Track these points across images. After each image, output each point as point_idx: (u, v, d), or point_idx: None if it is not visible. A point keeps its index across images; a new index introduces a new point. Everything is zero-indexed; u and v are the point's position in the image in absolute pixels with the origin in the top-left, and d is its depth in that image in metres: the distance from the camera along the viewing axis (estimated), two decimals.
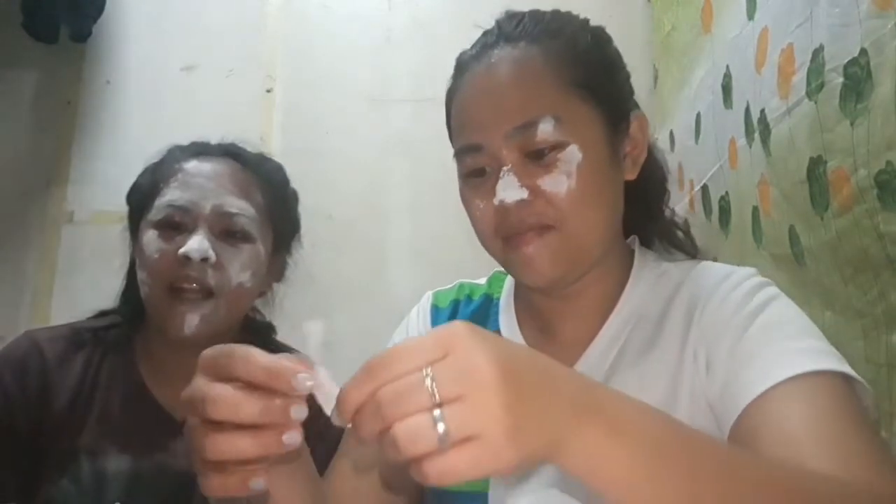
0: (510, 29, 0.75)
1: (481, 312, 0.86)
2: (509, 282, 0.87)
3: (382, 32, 2.07)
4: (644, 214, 0.81)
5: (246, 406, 0.44)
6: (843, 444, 0.55)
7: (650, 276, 0.78)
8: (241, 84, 2.03)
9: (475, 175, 0.72)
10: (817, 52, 0.91)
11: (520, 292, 0.84)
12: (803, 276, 1.01)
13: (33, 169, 1.97)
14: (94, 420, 0.92)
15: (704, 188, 1.44)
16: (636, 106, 0.80)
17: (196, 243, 0.89)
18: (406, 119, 2.00)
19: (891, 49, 0.76)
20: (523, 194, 0.68)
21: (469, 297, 0.88)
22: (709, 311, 0.69)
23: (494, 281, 0.89)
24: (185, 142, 1.04)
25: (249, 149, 1.04)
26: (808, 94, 0.94)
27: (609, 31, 0.81)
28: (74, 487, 0.88)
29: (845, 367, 0.61)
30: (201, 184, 0.93)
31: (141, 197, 0.97)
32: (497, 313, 0.84)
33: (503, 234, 0.71)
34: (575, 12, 0.80)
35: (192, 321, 0.90)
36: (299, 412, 0.45)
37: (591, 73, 0.72)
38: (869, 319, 0.85)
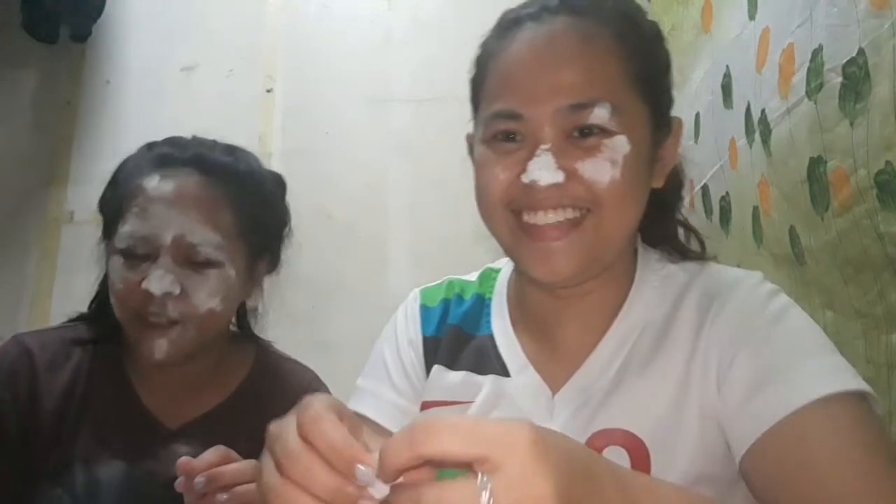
0: None
1: (473, 314, 0.80)
2: (501, 280, 0.81)
3: (382, 32, 2.07)
4: (656, 216, 0.76)
5: (319, 479, 0.41)
6: (867, 473, 0.54)
7: (655, 280, 0.73)
8: (241, 84, 2.03)
9: (504, 139, 0.66)
10: (817, 52, 0.91)
11: (515, 292, 0.78)
12: (803, 276, 1.01)
13: (33, 169, 1.97)
14: (86, 427, 0.91)
15: (705, 188, 1.44)
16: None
17: (157, 278, 0.86)
18: (406, 119, 2.00)
19: (888, 49, 0.76)
20: (559, 178, 0.62)
21: (460, 297, 0.82)
22: (721, 320, 0.66)
23: (485, 279, 0.83)
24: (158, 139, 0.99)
25: (221, 145, 0.97)
26: (808, 94, 0.94)
27: None
28: (68, 496, 0.87)
29: (861, 384, 0.59)
30: (161, 212, 0.88)
31: (108, 212, 0.94)
32: (489, 315, 0.79)
33: (517, 208, 0.66)
34: None
35: (160, 347, 0.88)
36: None
37: (651, 69, 0.68)
38: (869, 319, 0.85)
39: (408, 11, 2.06)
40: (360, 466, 0.40)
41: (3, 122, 1.99)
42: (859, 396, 0.58)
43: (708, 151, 1.42)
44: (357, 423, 0.45)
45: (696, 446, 0.63)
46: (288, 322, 1.56)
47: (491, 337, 0.76)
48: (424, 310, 0.82)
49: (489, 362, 0.74)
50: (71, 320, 1.00)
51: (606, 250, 0.67)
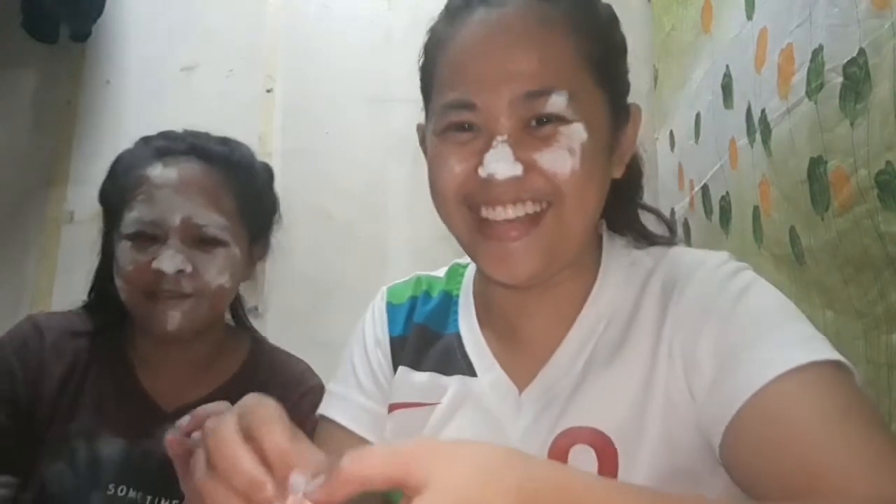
0: None
1: (439, 312, 0.78)
2: (468, 276, 0.79)
3: (382, 32, 2.07)
4: (617, 206, 0.73)
5: (243, 471, 0.41)
6: (850, 441, 0.51)
7: (620, 268, 0.71)
8: (241, 84, 2.03)
9: (458, 130, 0.63)
10: (817, 53, 0.91)
11: (479, 288, 0.76)
12: (804, 276, 1.01)
13: (33, 169, 1.97)
14: (86, 405, 0.95)
15: (705, 188, 1.44)
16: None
17: (168, 257, 0.90)
18: (406, 119, 1.99)
19: (888, 49, 0.76)
20: (517, 170, 0.60)
21: (427, 294, 0.80)
22: (684, 303, 0.64)
23: (453, 275, 0.81)
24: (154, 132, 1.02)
25: (214, 137, 1.02)
26: (808, 94, 0.94)
27: None
28: (71, 470, 0.90)
29: (834, 354, 0.56)
30: (168, 197, 0.92)
31: (110, 203, 0.98)
32: (456, 313, 0.77)
33: (474, 203, 0.63)
34: None
35: (174, 318, 0.92)
36: None
37: (607, 54, 0.66)
38: (869, 319, 0.85)
39: (408, 11, 2.05)
40: (296, 474, 0.40)
41: (3, 122, 1.99)
42: (834, 365, 0.55)
43: (708, 151, 1.42)
44: (298, 432, 0.45)
45: (659, 439, 0.61)
46: (288, 322, 1.56)
47: (458, 335, 0.74)
48: (391, 307, 0.80)
49: (455, 362, 0.73)
50: (75, 309, 1.04)
51: (568, 246, 0.65)
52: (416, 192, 1.99)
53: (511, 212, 0.62)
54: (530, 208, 0.62)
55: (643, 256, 0.71)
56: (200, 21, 2.08)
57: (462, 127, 0.63)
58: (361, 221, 1.94)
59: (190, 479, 0.69)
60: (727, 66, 1.30)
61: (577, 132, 0.61)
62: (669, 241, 0.74)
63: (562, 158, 0.61)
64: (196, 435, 0.66)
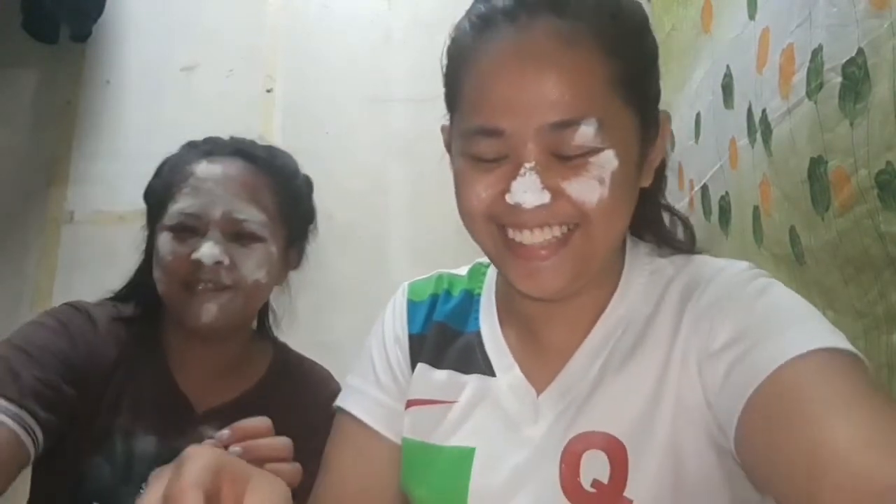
0: None
1: (460, 311, 0.78)
2: (490, 276, 0.79)
3: (382, 32, 2.07)
4: (640, 205, 0.71)
5: None
6: (866, 419, 0.49)
7: (642, 276, 0.71)
8: (241, 84, 2.03)
9: (485, 160, 0.62)
10: (816, 52, 0.91)
11: (502, 290, 0.76)
12: (804, 276, 1.01)
13: (33, 169, 1.97)
14: (127, 400, 0.95)
15: (704, 188, 1.44)
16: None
17: (208, 248, 0.92)
18: (406, 119, 2.00)
19: (887, 49, 0.76)
20: (544, 199, 0.59)
21: (448, 293, 0.80)
22: (700, 305, 0.63)
23: (475, 273, 0.80)
24: (197, 139, 1.05)
25: (260, 144, 1.05)
26: (808, 94, 0.94)
27: None
28: (108, 465, 0.90)
29: (851, 347, 0.55)
30: (211, 189, 0.95)
31: (156, 199, 1.00)
32: (478, 312, 0.77)
33: (501, 223, 0.63)
34: None
35: (210, 310, 0.93)
36: None
37: (637, 69, 0.63)
38: (869, 319, 0.85)
39: (408, 11, 2.06)
40: None
41: (3, 122, 1.99)
42: (852, 356, 0.54)
43: (708, 151, 1.42)
44: (241, 475, 0.48)
45: (667, 447, 0.61)
46: (288, 322, 1.56)
47: (478, 334, 0.75)
48: (412, 304, 0.80)
49: (475, 361, 0.73)
50: (106, 299, 1.05)
51: (595, 262, 0.64)
52: (417, 192, 2.00)
53: (538, 235, 0.62)
54: (557, 231, 0.62)
55: (666, 265, 0.70)
56: (200, 21, 2.08)
57: (489, 157, 0.62)
58: (361, 221, 1.94)
59: None
60: (727, 66, 1.30)
61: (607, 160, 0.60)
62: (691, 248, 0.74)
63: (591, 188, 0.60)
64: (234, 448, 0.67)
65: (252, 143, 1.04)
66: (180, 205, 0.95)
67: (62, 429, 0.88)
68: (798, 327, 0.56)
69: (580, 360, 0.68)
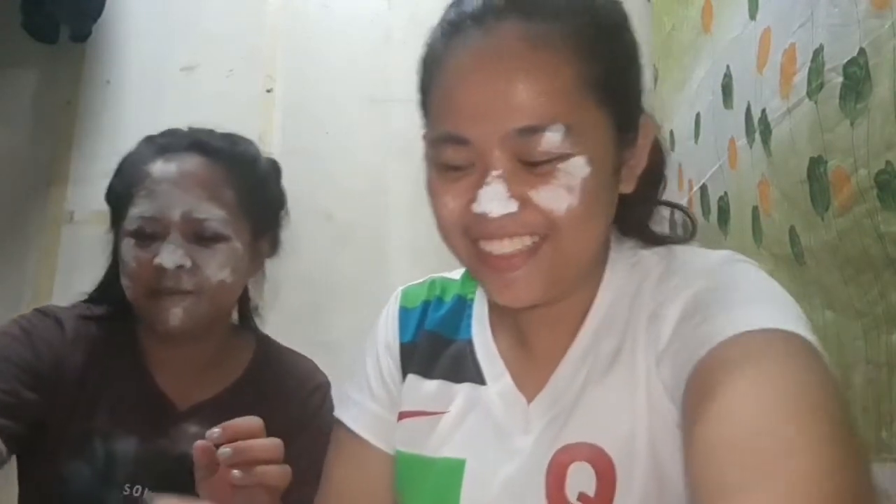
0: None
1: (452, 317, 0.76)
2: None
3: (382, 32, 2.07)
4: (631, 204, 0.69)
5: None
6: (784, 423, 0.45)
7: (623, 272, 0.67)
8: (241, 84, 2.03)
9: (452, 169, 0.61)
10: (817, 52, 0.91)
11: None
12: (803, 276, 1.01)
13: (33, 169, 1.97)
14: (104, 403, 0.95)
15: (703, 188, 1.44)
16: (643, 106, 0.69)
17: (168, 253, 0.90)
18: (406, 119, 1.98)
19: (888, 49, 0.76)
20: (511, 207, 0.57)
21: (440, 299, 0.78)
22: (668, 297, 0.60)
23: (468, 278, 0.77)
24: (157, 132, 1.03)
25: (218, 133, 1.02)
26: (809, 94, 0.94)
27: None
28: (89, 468, 0.90)
29: (814, 338, 0.51)
30: (167, 191, 0.93)
31: (116, 200, 0.99)
32: (470, 318, 0.74)
33: (475, 237, 0.61)
34: None
35: (175, 314, 0.92)
36: None
37: (611, 70, 0.60)
38: (869, 319, 0.85)
39: (408, 11, 2.05)
40: None
41: (3, 122, 1.99)
42: (802, 341, 0.50)
43: (707, 151, 1.42)
44: None
45: (649, 456, 0.58)
46: (288, 322, 1.56)
47: (470, 342, 0.73)
48: (403, 312, 0.79)
49: (466, 369, 0.71)
50: (79, 302, 1.04)
51: (570, 272, 0.62)
52: (417, 192, 1.98)
53: (508, 244, 0.60)
54: (528, 241, 0.60)
55: (649, 256, 0.67)
56: (200, 21, 2.08)
57: (456, 167, 0.60)
58: (361, 221, 1.94)
59: (206, 486, 0.70)
60: (727, 66, 1.30)
61: (576, 167, 0.57)
62: (680, 241, 0.70)
63: (559, 196, 0.58)
64: (224, 450, 0.67)
65: (210, 132, 1.02)
66: (138, 209, 0.93)
67: (27, 434, 0.88)
68: (748, 307, 0.54)
69: (568, 367, 0.66)
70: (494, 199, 0.57)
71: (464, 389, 0.70)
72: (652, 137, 0.66)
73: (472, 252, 0.62)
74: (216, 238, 0.94)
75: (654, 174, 0.70)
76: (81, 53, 2.04)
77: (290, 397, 1.00)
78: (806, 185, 0.96)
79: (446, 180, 0.61)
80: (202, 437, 0.70)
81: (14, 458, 0.92)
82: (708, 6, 1.44)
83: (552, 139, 0.56)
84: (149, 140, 1.01)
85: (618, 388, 0.61)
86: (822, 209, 0.92)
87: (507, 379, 0.69)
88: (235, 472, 0.68)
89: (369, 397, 0.76)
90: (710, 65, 1.40)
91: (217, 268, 0.94)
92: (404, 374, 0.75)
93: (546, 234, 0.59)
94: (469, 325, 0.74)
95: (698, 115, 1.48)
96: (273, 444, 0.70)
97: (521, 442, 0.65)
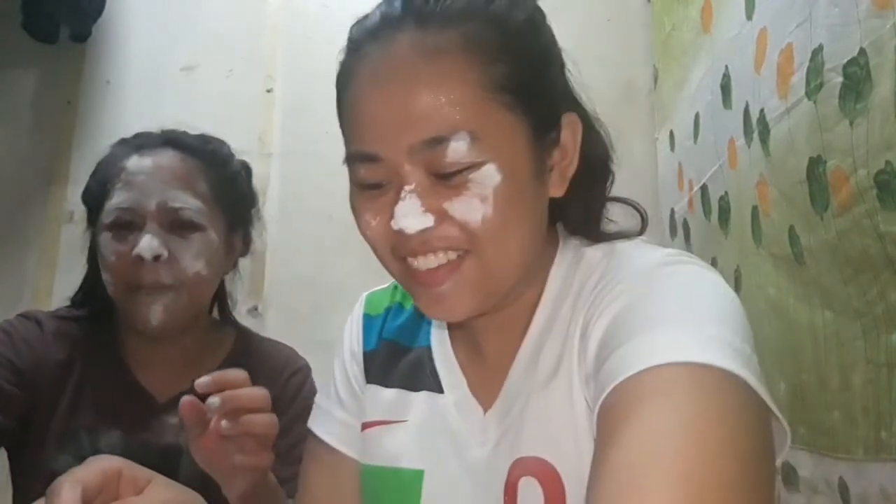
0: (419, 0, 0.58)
1: (411, 324, 0.74)
2: None
3: None
4: (574, 202, 0.66)
5: None
6: (673, 468, 0.41)
7: (566, 273, 0.65)
8: (241, 84, 2.03)
9: (370, 187, 0.59)
10: (816, 52, 0.91)
11: None
12: (803, 276, 1.01)
13: (33, 169, 1.97)
14: (86, 399, 0.97)
15: (704, 188, 1.44)
16: (573, 104, 0.66)
17: (146, 242, 0.92)
18: None
19: (889, 49, 0.76)
20: (427, 222, 0.56)
21: (400, 305, 0.77)
22: (600, 303, 0.57)
23: None
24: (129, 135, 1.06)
25: (190, 133, 1.05)
26: (808, 94, 0.94)
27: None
28: (77, 462, 0.92)
29: (736, 366, 0.46)
30: (143, 181, 0.95)
31: (92, 198, 1.01)
32: (430, 324, 0.73)
33: (402, 254, 0.59)
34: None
35: (156, 312, 0.94)
36: None
37: (519, 71, 0.57)
38: (869, 319, 0.85)
39: None
40: None
41: (3, 122, 1.99)
42: (737, 381, 0.46)
43: (707, 151, 1.42)
44: (141, 478, 0.53)
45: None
46: (288, 322, 1.56)
47: (428, 349, 0.72)
48: (367, 319, 0.78)
49: (423, 377, 0.70)
50: (63, 307, 1.07)
51: (500, 282, 0.60)
52: None
53: (433, 259, 0.58)
54: (452, 255, 0.58)
55: (592, 254, 0.65)
56: (200, 21, 2.08)
57: (373, 186, 0.59)
58: None
59: (197, 445, 0.73)
60: (726, 66, 1.30)
61: (487, 176, 0.56)
62: (626, 235, 0.67)
63: (472, 207, 0.56)
64: (213, 399, 0.69)
65: (183, 132, 1.04)
66: (114, 201, 0.95)
67: (13, 428, 0.91)
68: (663, 332, 0.49)
69: (517, 374, 0.64)
70: (409, 215, 0.56)
71: (421, 398, 0.69)
72: (580, 135, 0.63)
73: (402, 269, 0.61)
74: (192, 227, 0.96)
75: (594, 171, 0.68)
76: (81, 53, 2.04)
77: (269, 382, 1.01)
78: (805, 185, 0.96)
79: (366, 199, 0.60)
80: (182, 427, 0.72)
81: (6, 462, 0.96)
82: (707, 6, 1.44)
83: (458, 148, 0.55)
84: (122, 142, 1.04)
85: (559, 399, 0.59)
86: (822, 209, 0.92)
87: (464, 388, 0.67)
88: (224, 422, 0.69)
89: (338, 406, 0.76)
90: (710, 65, 1.40)
91: (193, 258, 0.95)
92: (368, 384, 0.75)
93: (468, 249, 0.57)
94: (428, 332, 0.73)
95: (698, 114, 1.48)
96: (260, 392, 0.72)
97: (477, 453, 0.64)
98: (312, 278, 1.87)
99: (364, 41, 0.60)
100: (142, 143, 1.01)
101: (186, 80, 2.03)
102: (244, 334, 1.11)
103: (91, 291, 1.03)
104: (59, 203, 1.96)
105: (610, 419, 0.47)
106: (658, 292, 0.54)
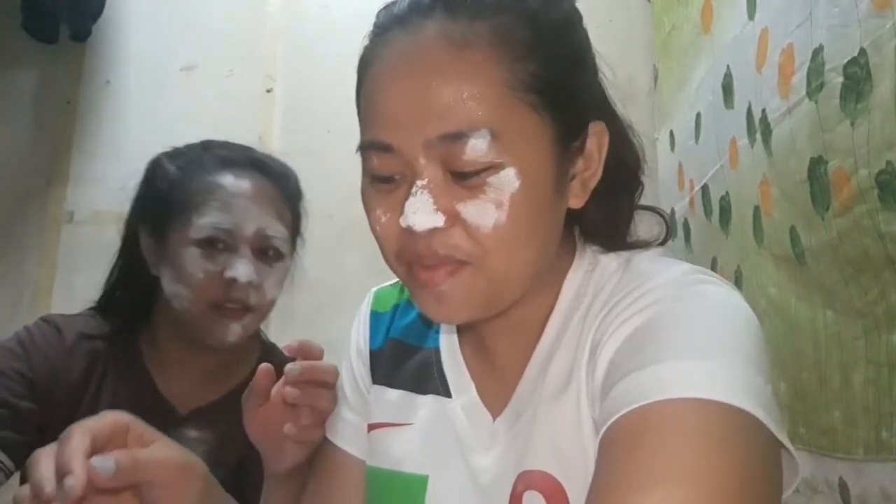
0: None
1: (419, 325, 0.72)
2: None
3: None
4: (597, 209, 0.63)
5: (38, 475, 0.52)
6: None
7: (581, 281, 0.62)
8: (241, 84, 2.03)
9: (382, 180, 0.56)
10: (817, 52, 0.91)
11: None
12: (804, 276, 1.01)
13: (33, 169, 1.97)
14: (105, 409, 0.95)
15: (705, 188, 1.44)
16: (604, 112, 0.63)
17: (244, 267, 0.93)
18: None
19: (889, 49, 0.76)
20: (438, 222, 0.53)
21: (408, 303, 0.74)
22: (609, 328, 0.55)
23: None
24: (193, 140, 1.03)
25: (266, 154, 1.05)
26: (809, 94, 0.94)
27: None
28: None
29: (740, 405, 0.45)
30: (244, 206, 0.95)
31: (167, 204, 0.96)
32: (439, 326, 0.70)
33: (407, 260, 0.57)
34: None
35: (234, 331, 0.94)
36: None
37: (548, 71, 0.54)
38: (870, 319, 0.85)
39: None
40: (68, 478, 0.50)
41: (3, 122, 1.99)
42: (746, 418, 0.45)
43: (708, 151, 1.42)
44: (147, 436, 0.58)
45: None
46: (288, 322, 1.56)
47: (437, 351, 0.69)
48: (374, 317, 0.76)
49: (431, 380, 0.68)
50: (87, 310, 1.04)
51: (502, 292, 0.57)
52: None
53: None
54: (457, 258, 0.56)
55: (608, 263, 0.62)
56: (200, 21, 2.08)
57: (385, 179, 0.56)
58: (361, 221, 1.92)
59: (255, 416, 0.75)
60: (727, 66, 1.30)
61: (505, 181, 0.52)
62: (643, 245, 0.64)
63: (486, 212, 0.53)
64: (293, 366, 0.72)
65: (266, 156, 1.04)
66: (211, 219, 0.93)
67: (28, 442, 0.88)
68: (675, 362, 0.48)
69: (528, 381, 0.61)
70: (419, 212, 0.53)
71: (428, 402, 0.68)
72: (606, 146, 0.60)
73: (405, 271, 0.59)
74: (277, 255, 0.98)
75: (625, 182, 0.65)
76: (81, 53, 2.04)
77: None
78: (806, 185, 0.96)
79: (378, 192, 0.57)
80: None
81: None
82: (708, 6, 1.44)
83: (477, 146, 0.52)
84: (205, 148, 1.01)
85: (568, 416, 0.57)
86: (823, 209, 0.92)
87: (473, 393, 0.65)
88: (290, 388, 0.70)
89: (345, 406, 0.75)
90: (711, 65, 1.40)
91: (274, 285, 0.98)
92: (374, 384, 0.73)
93: (468, 259, 0.54)
94: (437, 333, 0.70)
95: (699, 114, 1.48)
96: (334, 369, 0.74)
97: (483, 460, 0.62)
98: (313, 278, 1.86)
99: (390, 26, 0.57)
100: (228, 157, 0.99)
101: (186, 79, 2.04)
102: (268, 349, 1.10)
103: (117, 295, 1.01)
104: (59, 203, 1.96)
105: (612, 447, 0.47)
106: (670, 318, 0.52)
